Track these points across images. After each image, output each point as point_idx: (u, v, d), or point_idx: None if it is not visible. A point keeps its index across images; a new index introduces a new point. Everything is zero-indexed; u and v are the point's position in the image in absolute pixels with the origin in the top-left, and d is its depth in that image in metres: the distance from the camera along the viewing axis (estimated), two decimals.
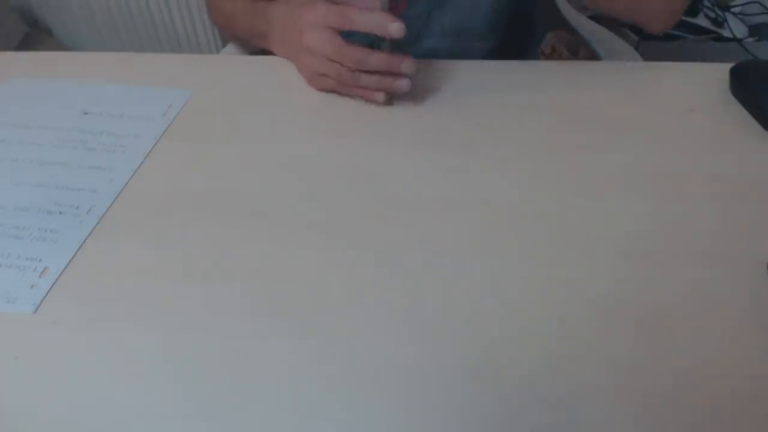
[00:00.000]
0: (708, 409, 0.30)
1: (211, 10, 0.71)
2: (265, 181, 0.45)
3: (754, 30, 1.24)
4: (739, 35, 1.21)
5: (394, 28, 0.46)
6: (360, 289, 0.37)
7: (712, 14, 1.26)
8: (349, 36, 0.49)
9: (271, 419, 0.31)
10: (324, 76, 0.53)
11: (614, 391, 0.31)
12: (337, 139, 0.50)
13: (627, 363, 0.32)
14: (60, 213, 0.43)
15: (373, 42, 0.50)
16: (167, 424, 0.31)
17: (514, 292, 0.36)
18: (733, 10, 1.27)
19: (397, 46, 0.50)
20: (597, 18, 0.77)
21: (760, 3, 1.27)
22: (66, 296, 0.37)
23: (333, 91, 0.55)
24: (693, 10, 1.25)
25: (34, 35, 1.58)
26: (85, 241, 0.41)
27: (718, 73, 0.56)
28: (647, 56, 0.66)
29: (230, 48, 0.74)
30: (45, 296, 0.37)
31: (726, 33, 1.22)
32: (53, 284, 0.38)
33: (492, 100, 0.54)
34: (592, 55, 0.73)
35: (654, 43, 1.20)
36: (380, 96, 0.52)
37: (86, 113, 0.54)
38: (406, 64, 0.49)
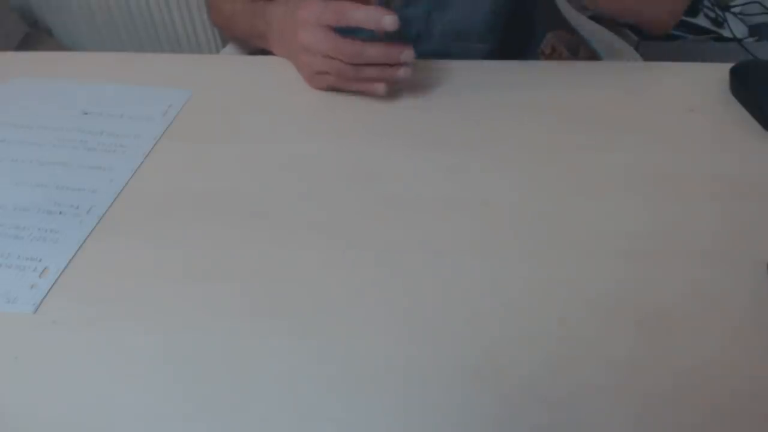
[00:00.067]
0: (708, 409, 0.30)
1: (210, 11, 0.71)
2: (265, 181, 0.45)
3: (754, 30, 1.24)
4: (739, 35, 1.21)
5: (388, 21, 0.47)
6: (360, 289, 0.37)
7: (712, 14, 1.26)
8: (353, 32, 0.49)
9: (271, 419, 0.31)
10: (323, 74, 0.54)
11: (614, 391, 0.31)
12: (337, 139, 0.50)
13: (627, 363, 0.32)
14: (60, 213, 0.43)
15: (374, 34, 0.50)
16: (167, 424, 0.31)
17: (514, 292, 0.36)
18: (733, 10, 1.27)
19: (398, 36, 0.50)
20: (597, 18, 0.77)
21: (760, 3, 1.27)
22: (66, 296, 0.37)
23: (333, 89, 0.55)
24: (693, 10, 1.25)
25: (34, 35, 1.58)
26: (85, 241, 0.41)
27: (718, 73, 0.56)
28: (647, 56, 0.66)
29: (230, 48, 0.74)
30: (45, 296, 0.37)
31: (726, 33, 1.22)
32: (53, 284, 0.38)
33: (492, 100, 0.54)
34: (592, 55, 0.72)
35: (654, 43, 1.20)
36: (381, 88, 0.52)
37: (86, 113, 0.54)
38: (406, 53, 0.49)
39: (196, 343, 0.34)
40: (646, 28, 0.62)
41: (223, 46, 0.76)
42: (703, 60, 0.59)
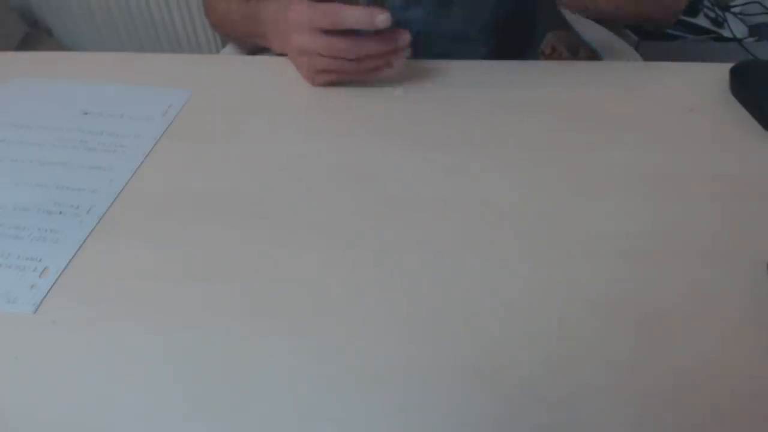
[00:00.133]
0: (708, 409, 0.30)
1: (207, 10, 0.72)
2: (265, 181, 0.45)
3: (754, 30, 1.24)
4: (739, 35, 1.21)
5: (381, 20, 0.47)
6: (360, 289, 0.37)
7: (712, 14, 1.25)
8: None
9: (271, 419, 0.31)
10: (324, 71, 0.54)
11: (614, 391, 0.31)
12: (337, 139, 0.50)
13: (627, 363, 0.32)
14: (60, 213, 0.43)
15: None
16: (167, 424, 0.31)
17: (514, 292, 0.36)
18: (733, 10, 1.26)
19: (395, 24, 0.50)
20: (597, 18, 0.77)
21: (760, 3, 1.27)
22: (66, 296, 0.37)
23: (335, 84, 0.55)
24: (693, 10, 1.25)
25: (34, 35, 1.58)
26: (85, 241, 0.41)
27: (718, 73, 0.56)
28: (647, 56, 0.66)
29: (230, 48, 0.74)
30: (45, 296, 0.37)
31: (726, 33, 1.22)
32: (53, 284, 0.38)
33: (492, 100, 0.54)
34: (592, 55, 0.73)
35: (654, 43, 1.20)
36: (389, 71, 0.53)
37: (86, 113, 0.54)
38: (403, 38, 0.50)
39: (196, 343, 0.34)
40: (648, 25, 0.62)
41: (223, 46, 0.76)
42: (703, 60, 0.59)
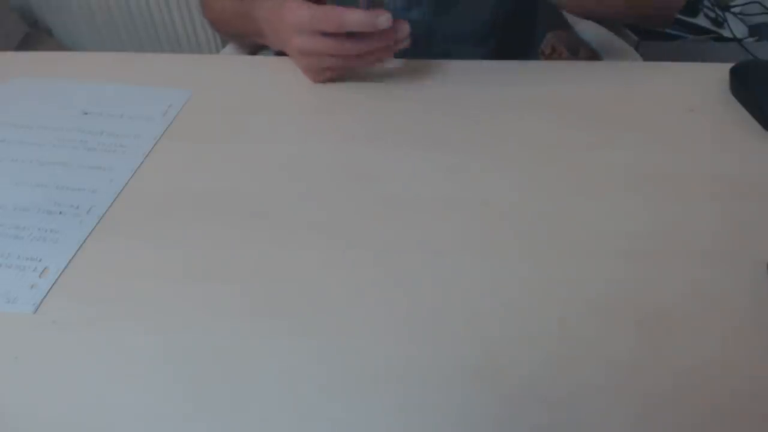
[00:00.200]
0: (708, 409, 0.30)
1: (204, 9, 0.72)
2: (265, 181, 0.45)
3: (754, 30, 1.24)
4: (739, 35, 1.21)
5: (383, 21, 0.48)
6: (360, 289, 0.37)
7: (712, 14, 1.25)
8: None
9: (271, 419, 0.31)
10: (326, 69, 0.55)
11: (614, 391, 0.31)
12: (337, 139, 0.50)
13: (627, 363, 0.32)
14: (60, 213, 0.43)
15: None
16: (167, 424, 0.31)
17: (514, 292, 0.36)
18: (733, 10, 1.27)
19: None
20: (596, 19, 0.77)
21: (760, 3, 1.27)
22: (66, 296, 0.37)
23: (336, 79, 0.56)
24: (693, 10, 1.25)
25: (34, 35, 1.58)
26: (85, 241, 0.41)
27: (718, 73, 0.56)
28: (647, 56, 0.66)
29: (230, 48, 0.74)
30: (45, 296, 0.37)
31: (726, 33, 1.22)
32: (53, 284, 0.38)
33: (492, 100, 0.54)
34: (592, 55, 0.73)
35: (654, 43, 1.20)
36: (389, 59, 0.54)
37: (86, 113, 0.54)
38: (402, 29, 0.50)
39: (196, 343, 0.34)
40: (644, 24, 0.62)
41: (223, 46, 0.76)
42: (703, 60, 0.59)
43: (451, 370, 0.32)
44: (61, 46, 1.63)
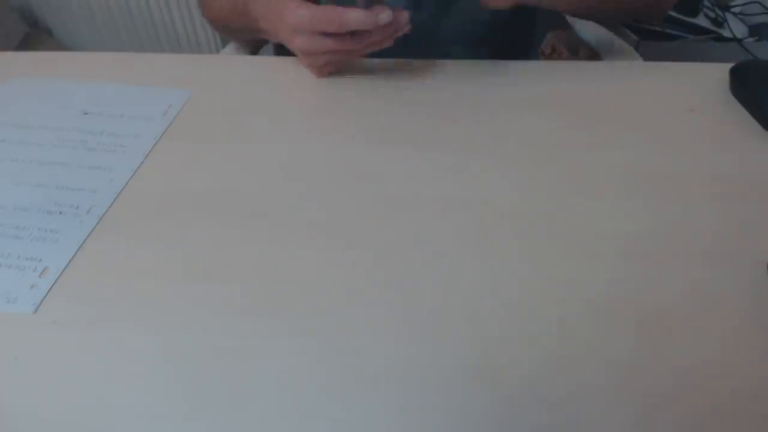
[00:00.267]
0: (708, 409, 0.30)
1: (203, 8, 0.72)
2: (265, 181, 0.45)
3: (754, 30, 1.24)
4: (739, 35, 1.21)
5: (384, 18, 0.48)
6: (360, 289, 0.37)
7: (712, 14, 1.26)
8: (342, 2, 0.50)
9: (271, 419, 0.31)
10: (329, 64, 0.55)
11: (614, 391, 0.31)
12: (337, 139, 0.50)
13: (627, 363, 0.32)
14: (60, 213, 0.43)
15: None
16: (167, 424, 0.31)
17: (514, 292, 0.36)
18: (733, 10, 1.27)
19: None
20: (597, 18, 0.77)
21: (760, 3, 1.27)
22: (66, 296, 0.37)
23: (341, 70, 0.57)
24: (693, 10, 1.25)
25: (34, 35, 1.58)
26: (85, 241, 0.41)
27: (718, 73, 0.56)
28: (647, 56, 0.66)
29: (230, 48, 0.74)
30: (45, 296, 0.37)
31: (726, 33, 1.22)
32: (53, 284, 0.38)
33: (492, 100, 0.54)
34: (592, 55, 0.73)
35: (654, 43, 1.20)
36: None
37: (86, 113, 0.54)
38: (402, 18, 0.51)
39: (196, 343, 0.34)
40: (643, 18, 0.63)
41: (223, 46, 0.76)
42: (703, 60, 0.59)
43: (451, 370, 0.32)
44: (61, 46, 1.63)
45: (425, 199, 0.43)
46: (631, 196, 0.43)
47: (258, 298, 0.36)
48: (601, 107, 0.53)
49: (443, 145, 0.49)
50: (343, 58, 0.55)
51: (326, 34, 0.50)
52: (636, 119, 0.51)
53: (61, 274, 0.38)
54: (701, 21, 1.25)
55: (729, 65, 0.55)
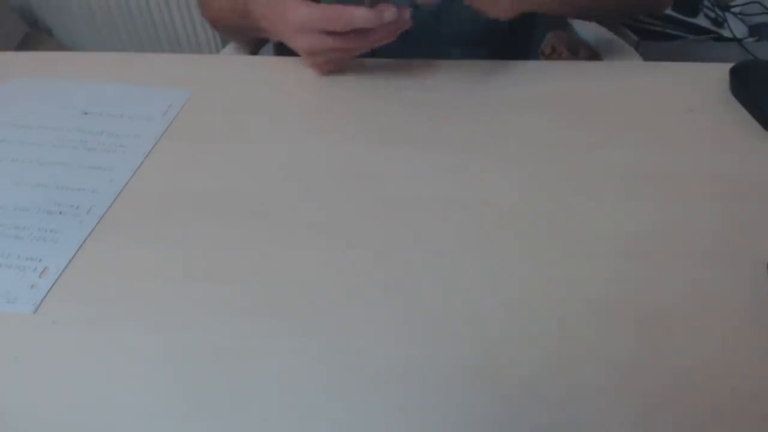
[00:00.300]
0: (708, 409, 0.30)
1: (203, 8, 0.72)
2: (265, 181, 0.45)
3: (754, 30, 1.24)
4: (739, 35, 1.21)
5: (389, 16, 0.48)
6: (360, 289, 0.37)
7: (712, 14, 1.25)
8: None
9: (271, 419, 0.31)
10: (331, 62, 0.56)
11: (614, 391, 0.31)
12: (337, 139, 0.50)
13: (627, 363, 0.32)
14: (60, 213, 0.43)
15: None
16: (167, 424, 0.31)
17: (514, 292, 0.36)
18: (733, 10, 1.27)
19: None
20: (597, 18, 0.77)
21: (760, 3, 1.27)
22: (66, 296, 0.37)
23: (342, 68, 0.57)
24: (693, 10, 1.25)
25: (34, 35, 1.59)
26: (85, 241, 0.41)
27: (718, 73, 0.56)
28: (647, 56, 0.66)
29: (230, 48, 0.74)
30: (45, 296, 0.37)
31: (726, 33, 1.22)
32: (53, 284, 0.38)
33: (492, 100, 0.54)
34: (592, 55, 0.73)
35: (654, 43, 1.20)
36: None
37: (86, 113, 0.54)
38: (405, 15, 0.51)
39: (196, 343, 0.34)
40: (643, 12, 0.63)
41: (223, 46, 0.76)
42: (703, 60, 0.59)
43: (451, 370, 0.32)
44: (61, 46, 1.63)
45: (425, 199, 0.43)
46: (631, 196, 0.43)
47: (258, 298, 0.36)
48: (601, 107, 0.53)
49: (443, 145, 0.49)
50: (346, 56, 0.55)
51: (330, 33, 0.50)
52: (636, 119, 0.51)
53: (61, 274, 0.38)
54: (701, 21, 1.25)
55: (729, 65, 0.55)
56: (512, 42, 0.71)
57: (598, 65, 0.64)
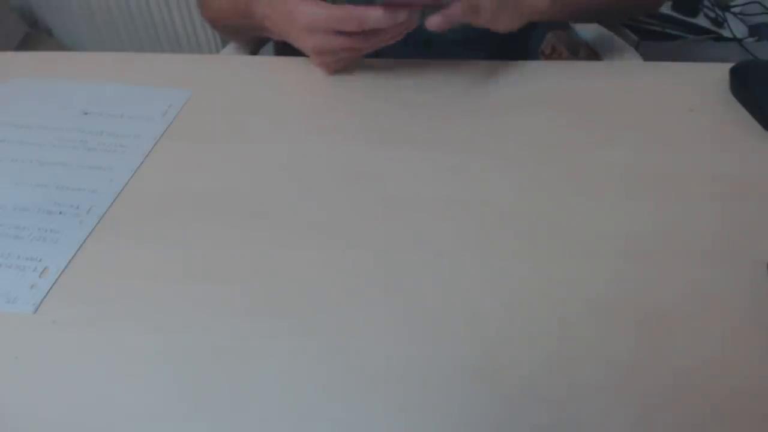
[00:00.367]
0: (708, 409, 0.30)
1: (202, 9, 0.72)
2: (265, 181, 0.45)
3: (754, 30, 1.24)
4: (739, 35, 1.21)
5: (401, 15, 0.48)
6: (360, 289, 0.37)
7: (712, 14, 1.25)
8: None
9: (271, 419, 0.31)
10: (339, 61, 0.56)
11: (614, 391, 0.31)
12: (337, 139, 0.50)
13: (627, 363, 0.32)
14: (60, 213, 0.43)
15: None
16: (167, 424, 0.31)
17: (514, 292, 0.36)
18: (733, 10, 1.27)
19: None
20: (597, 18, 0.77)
21: (760, 3, 1.27)
22: (66, 296, 0.37)
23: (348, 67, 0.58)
24: (693, 10, 1.25)
25: (34, 35, 1.59)
26: (85, 241, 0.41)
27: (718, 73, 0.56)
28: (647, 56, 0.66)
29: (230, 48, 0.74)
30: (45, 296, 0.37)
31: (726, 33, 1.22)
32: (53, 284, 0.38)
33: (492, 100, 0.54)
34: (592, 55, 0.73)
35: (654, 43, 1.20)
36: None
37: (86, 113, 0.54)
38: (414, 15, 0.51)
39: (196, 343, 0.34)
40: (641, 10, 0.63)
41: (223, 46, 0.76)
42: (703, 60, 0.59)
43: (451, 370, 0.32)
44: (61, 46, 1.63)
45: (425, 199, 0.43)
46: (631, 196, 0.43)
47: (258, 298, 0.36)
48: (601, 107, 0.53)
49: (443, 145, 0.49)
50: (354, 56, 0.55)
51: (340, 33, 0.50)
52: (636, 119, 0.51)
53: (61, 274, 0.38)
54: (701, 21, 1.25)
55: (729, 65, 0.55)
56: (512, 43, 0.71)
57: (598, 65, 0.64)
